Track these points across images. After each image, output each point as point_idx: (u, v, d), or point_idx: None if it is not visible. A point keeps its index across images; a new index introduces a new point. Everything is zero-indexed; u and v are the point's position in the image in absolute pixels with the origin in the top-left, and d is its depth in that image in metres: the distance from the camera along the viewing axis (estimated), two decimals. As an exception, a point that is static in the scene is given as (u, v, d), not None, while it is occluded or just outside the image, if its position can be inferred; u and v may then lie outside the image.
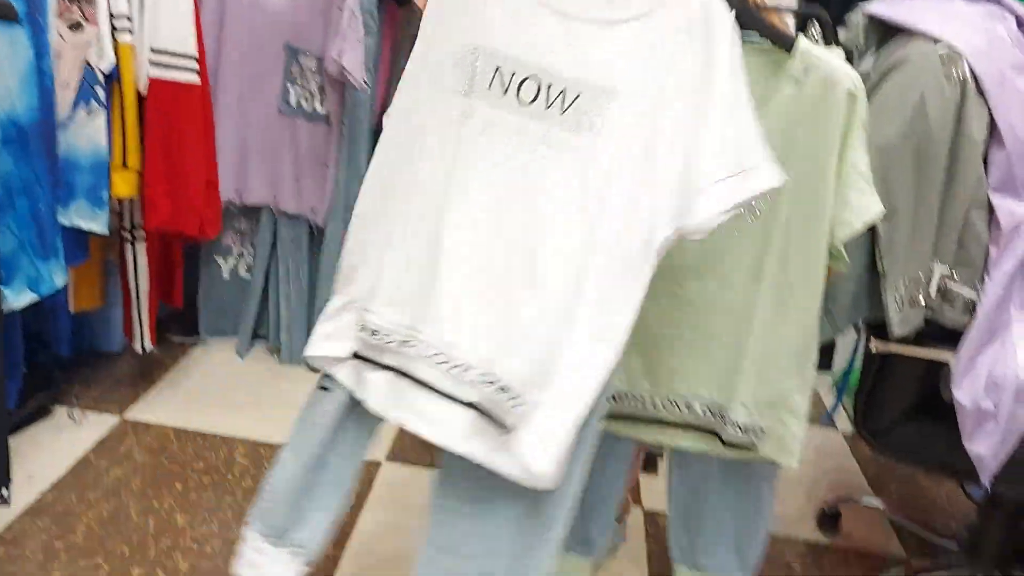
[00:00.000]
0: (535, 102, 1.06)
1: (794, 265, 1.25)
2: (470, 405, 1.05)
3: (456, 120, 1.08)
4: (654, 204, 1.02)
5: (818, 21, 1.32)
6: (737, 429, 1.31)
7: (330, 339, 1.13)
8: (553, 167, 1.05)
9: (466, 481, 1.11)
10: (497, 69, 1.06)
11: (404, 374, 1.09)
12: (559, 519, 1.11)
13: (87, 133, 1.77)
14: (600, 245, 1.03)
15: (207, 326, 2.40)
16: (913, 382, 1.59)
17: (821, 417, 2.49)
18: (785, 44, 1.20)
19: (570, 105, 1.04)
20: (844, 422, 2.48)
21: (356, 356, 1.11)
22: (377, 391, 1.10)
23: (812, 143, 1.21)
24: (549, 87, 1.05)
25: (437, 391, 1.07)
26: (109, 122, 1.81)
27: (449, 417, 1.06)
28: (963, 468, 1.47)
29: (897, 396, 1.61)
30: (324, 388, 1.15)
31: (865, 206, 1.23)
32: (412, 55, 1.13)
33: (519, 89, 1.06)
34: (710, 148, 1.01)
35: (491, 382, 1.04)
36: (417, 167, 1.10)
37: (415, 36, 1.15)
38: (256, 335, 2.42)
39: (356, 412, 1.14)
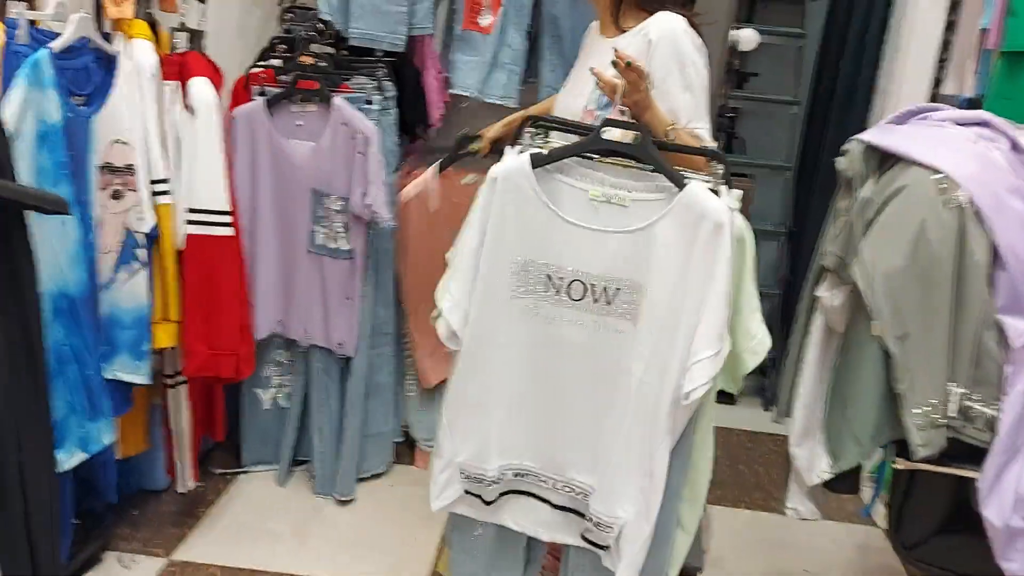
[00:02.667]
0: (584, 299, 1.42)
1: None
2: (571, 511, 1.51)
3: (525, 316, 1.44)
4: (677, 371, 1.38)
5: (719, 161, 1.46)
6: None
7: (445, 490, 1.51)
8: (609, 347, 1.42)
9: None
10: (549, 276, 1.42)
11: (519, 492, 1.52)
12: None
13: (129, 291, 1.88)
14: (648, 394, 1.41)
15: (249, 456, 2.46)
16: (943, 496, 1.61)
17: (860, 512, 2.48)
18: (677, 183, 1.38)
19: (612, 299, 1.41)
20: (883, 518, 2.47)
21: (467, 493, 1.51)
22: (509, 512, 1.53)
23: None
24: (592, 287, 1.41)
25: (552, 504, 1.51)
26: (150, 279, 1.91)
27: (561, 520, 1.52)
28: (999, 581, 1.48)
29: (928, 510, 1.63)
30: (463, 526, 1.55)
31: (764, 339, 1.49)
32: (468, 243, 1.44)
33: (569, 290, 1.42)
34: (703, 331, 1.36)
35: (585, 495, 1.48)
36: (498, 354, 1.45)
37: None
38: (296, 461, 2.48)
39: (501, 535, 1.56)
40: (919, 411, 1.47)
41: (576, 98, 1.74)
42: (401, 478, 2.52)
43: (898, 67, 2.55)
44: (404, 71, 2.37)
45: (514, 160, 1.41)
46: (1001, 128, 1.60)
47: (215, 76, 2.03)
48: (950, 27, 2.42)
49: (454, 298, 1.45)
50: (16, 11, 1.60)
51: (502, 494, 1.52)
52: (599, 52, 1.68)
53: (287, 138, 2.21)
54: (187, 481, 2.14)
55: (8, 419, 1.37)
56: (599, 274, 1.40)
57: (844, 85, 3.11)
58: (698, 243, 1.35)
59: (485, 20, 2.21)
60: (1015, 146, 1.58)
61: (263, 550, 2.12)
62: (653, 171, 1.40)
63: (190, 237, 1.97)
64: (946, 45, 2.44)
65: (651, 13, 1.66)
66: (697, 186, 1.37)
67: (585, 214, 1.40)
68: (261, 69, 2.29)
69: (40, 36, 1.65)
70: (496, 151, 1.72)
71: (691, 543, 1.55)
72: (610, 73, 1.49)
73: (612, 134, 1.41)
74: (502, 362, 1.46)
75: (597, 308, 1.42)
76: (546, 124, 1.51)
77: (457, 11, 2.31)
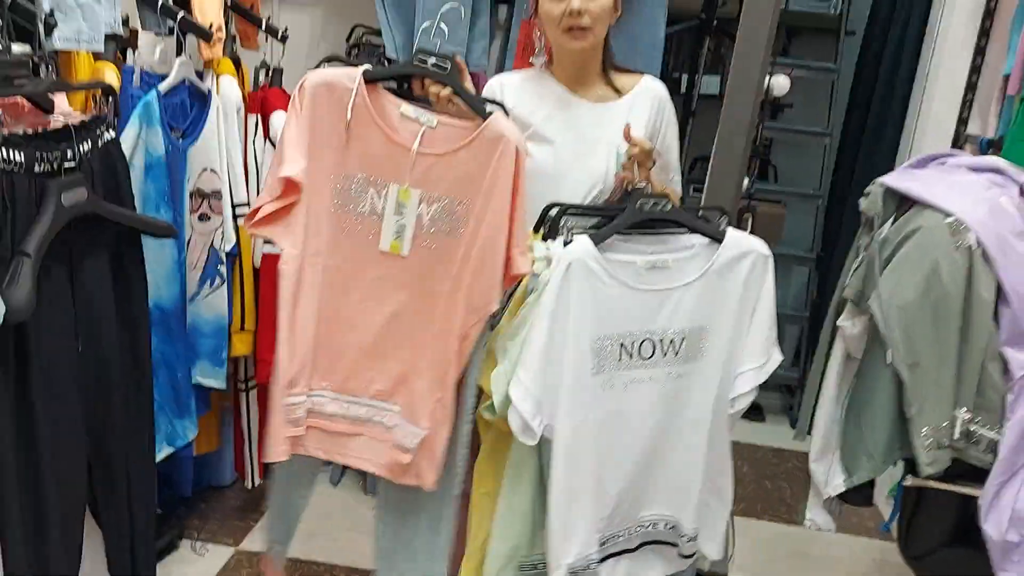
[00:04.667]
0: (654, 355, 1.53)
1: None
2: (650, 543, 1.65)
3: (604, 390, 1.50)
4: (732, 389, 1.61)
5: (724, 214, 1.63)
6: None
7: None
8: (679, 390, 1.56)
9: None
10: (622, 345, 1.51)
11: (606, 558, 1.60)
12: None
13: (210, 304, 2.09)
14: (719, 417, 1.60)
15: (305, 457, 2.66)
16: (950, 512, 1.74)
17: (879, 527, 2.61)
18: (718, 236, 1.56)
19: (680, 347, 1.54)
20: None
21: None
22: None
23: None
24: (660, 342, 1.53)
25: (629, 551, 1.62)
26: (229, 293, 2.12)
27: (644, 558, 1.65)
28: (999, 592, 1.62)
29: (934, 524, 1.76)
30: None
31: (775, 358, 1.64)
32: (539, 332, 1.44)
33: (639, 351, 1.52)
34: (748, 345, 1.57)
35: (674, 527, 1.64)
36: (591, 440, 1.50)
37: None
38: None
39: None
40: (927, 433, 1.61)
41: (593, 161, 1.72)
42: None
43: (925, 106, 2.69)
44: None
45: (576, 245, 1.44)
46: (1012, 175, 1.74)
47: (291, 109, 2.24)
48: (976, 71, 2.57)
49: (525, 386, 1.41)
50: (131, 60, 1.82)
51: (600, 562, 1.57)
52: (574, 111, 1.74)
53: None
54: (255, 478, 2.34)
55: (120, 414, 1.58)
56: (664, 330, 1.52)
57: (875, 120, 3.26)
58: (744, 276, 1.55)
59: (539, 60, 2.38)
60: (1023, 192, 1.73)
61: (319, 543, 2.31)
62: (673, 233, 1.55)
63: (265, 256, 2.17)
64: (972, 88, 2.59)
65: (631, 73, 1.80)
66: (734, 232, 1.55)
67: (644, 280, 1.50)
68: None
69: (148, 78, 1.87)
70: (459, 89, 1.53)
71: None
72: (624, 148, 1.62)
73: (652, 206, 1.53)
74: (593, 444, 1.49)
75: (666, 360, 1.53)
76: (576, 211, 1.57)
77: (510, 50, 2.50)
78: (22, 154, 1.32)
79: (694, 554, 1.68)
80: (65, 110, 1.55)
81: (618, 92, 1.78)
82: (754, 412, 3.47)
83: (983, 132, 2.51)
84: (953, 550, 1.76)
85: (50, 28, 1.54)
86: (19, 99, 1.44)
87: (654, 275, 1.51)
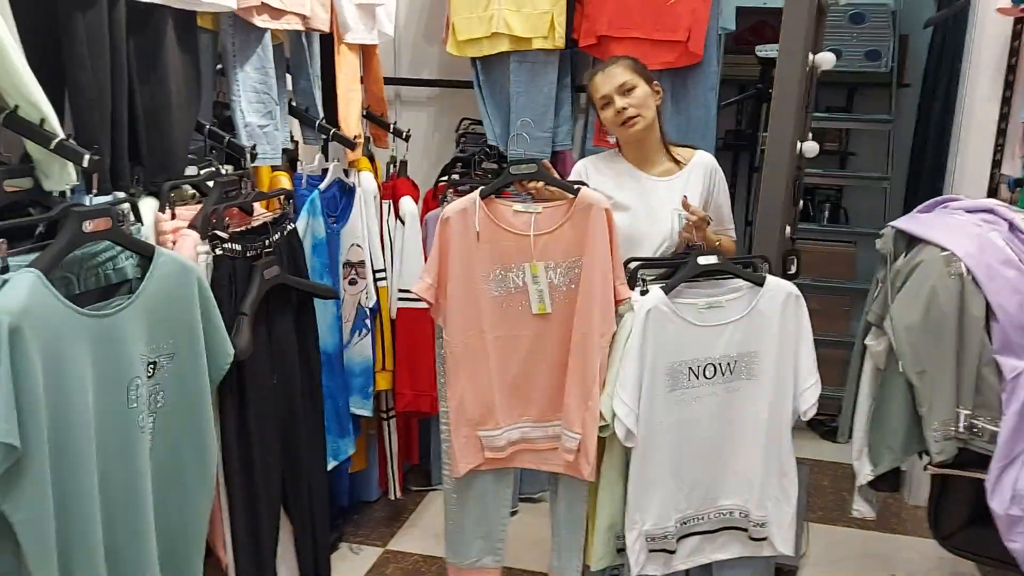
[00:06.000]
0: (714, 376, 1.98)
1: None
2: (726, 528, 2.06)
3: (678, 403, 1.96)
4: (791, 402, 2.03)
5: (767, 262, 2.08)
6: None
7: (639, 556, 1.96)
8: (736, 401, 2.00)
9: None
10: (690, 368, 1.96)
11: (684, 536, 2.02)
12: None
13: (359, 349, 2.64)
14: (774, 424, 2.01)
15: (437, 476, 3.17)
16: (968, 495, 2.06)
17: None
18: (759, 281, 2.00)
19: (734, 368, 1.99)
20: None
21: (652, 551, 1.99)
22: (680, 556, 2.03)
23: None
24: (719, 364, 1.98)
25: (705, 532, 2.04)
26: (373, 340, 2.68)
27: (718, 541, 2.06)
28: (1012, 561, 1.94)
29: (957, 507, 2.09)
30: None
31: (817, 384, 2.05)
32: (631, 361, 1.92)
33: (703, 372, 1.97)
34: (803, 367, 2.02)
35: (746, 515, 2.03)
36: (664, 438, 1.95)
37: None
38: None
39: None
40: (936, 427, 1.96)
41: (661, 225, 2.20)
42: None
43: (961, 150, 3.02)
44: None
45: (652, 295, 1.92)
46: (1001, 213, 2.10)
47: (415, 193, 2.82)
48: (1004, 119, 2.90)
49: (628, 406, 1.89)
50: (299, 168, 2.45)
51: (677, 540, 2.01)
52: (643, 185, 2.23)
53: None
54: (396, 492, 2.87)
55: (303, 437, 2.13)
56: (724, 354, 1.97)
57: (930, 162, 3.59)
58: (787, 310, 2.00)
59: (613, 138, 2.85)
60: (1012, 227, 2.09)
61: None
62: (724, 278, 2.00)
63: (400, 310, 2.73)
64: (1002, 133, 2.91)
65: (686, 147, 2.29)
66: (772, 277, 2.00)
67: (703, 317, 1.96)
68: (443, 182, 3.06)
69: (311, 180, 2.47)
70: (550, 178, 2.07)
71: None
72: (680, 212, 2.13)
73: (706, 260, 1.98)
74: (664, 442, 1.95)
75: (724, 379, 1.99)
76: (650, 265, 2.08)
77: (589, 131, 3.02)
78: (239, 246, 1.91)
79: (764, 538, 2.04)
80: (259, 211, 2.15)
81: (678, 164, 2.26)
82: (831, 432, 3.77)
83: (1013, 172, 2.83)
84: (975, 529, 2.07)
85: (254, 157, 2.15)
86: (232, 206, 2.05)
87: (712, 313, 1.97)
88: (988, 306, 1.95)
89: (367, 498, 3.06)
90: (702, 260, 1.97)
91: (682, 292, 1.97)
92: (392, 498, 2.87)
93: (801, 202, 3.15)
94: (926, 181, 3.62)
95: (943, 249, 1.98)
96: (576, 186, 2.02)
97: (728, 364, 1.99)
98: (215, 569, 2.13)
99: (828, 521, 3.08)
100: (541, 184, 2.04)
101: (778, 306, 2.00)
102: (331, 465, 2.45)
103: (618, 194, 2.21)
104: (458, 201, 2.03)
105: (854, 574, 2.77)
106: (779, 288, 2.01)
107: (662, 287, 1.94)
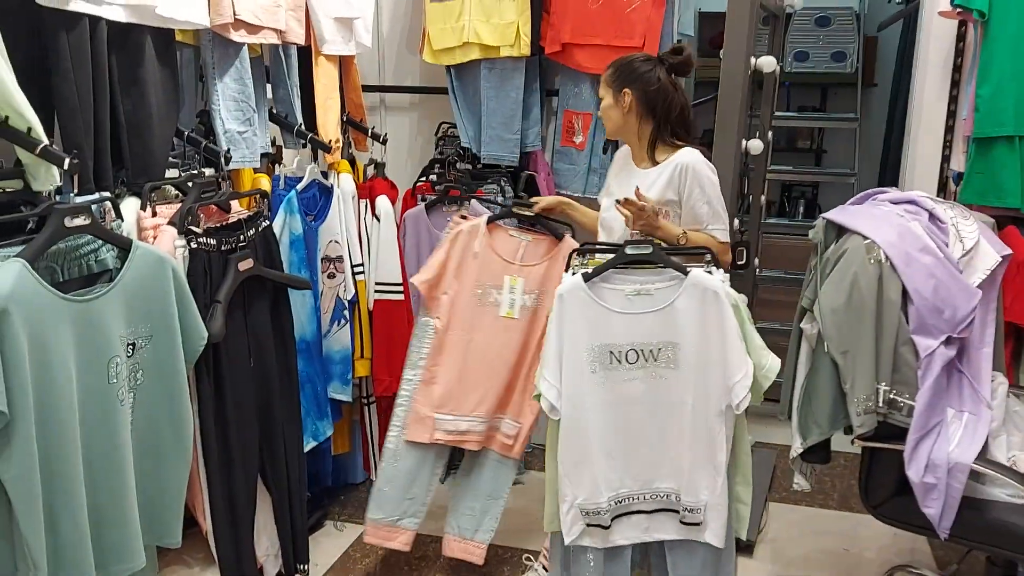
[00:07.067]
0: (637, 361, 2.04)
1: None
2: (662, 510, 2.10)
3: (602, 384, 2.04)
4: (717, 394, 2.03)
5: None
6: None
7: (572, 527, 2.05)
8: (660, 389, 2.05)
9: None
10: (611, 352, 2.03)
11: (622, 515, 2.08)
12: None
13: (338, 338, 2.84)
14: (699, 414, 2.04)
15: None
16: (893, 467, 2.22)
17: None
18: (683, 271, 2.05)
19: (657, 356, 2.03)
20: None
21: (588, 525, 2.07)
22: (618, 532, 2.09)
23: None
24: (641, 351, 2.03)
25: (645, 512, 2.10)
26: (352, 330, 2.87)
27: (657, 521, 2.11)
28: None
29: (884, 478, 2.23)
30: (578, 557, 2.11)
31: (773, 366, 2.07)
32: (552, 342, 2.06)
33: (626, 357, 2.04)
34: (731, 360, 2.00)
35: (668, 496, 2.08)
36: (588, 415, 2.04)
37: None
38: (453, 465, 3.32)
39: (609, 556, 2.10)
40: (858, 402, 2.11)
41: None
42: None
43: (913, 147, 3.17)
44: (523, 177, 3.26)
45: (571, 280, 2.03)
46: (922, 204, 2.26)
47: (392, 192, 3.01)
48: (951, 116, 3.04)
49: (549, 382, 2.01)
50: (278, 170, 2.65)
51: (613, 518, 2.07)
52: (630, 178, 2.35)
53: (440, 231, 3.12)
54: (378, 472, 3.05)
55: (280, 416, 2.32)
56: (644, 342, 2.02)
57: (895, 159, 3.73)
58: (706, 305, 2.00)
59: (578, 138, 3.03)
60: (932, 216, 2.24)
61: (433, 521, 2.98)
62: (663, 267, 2.05)
63: (376, 301, 2.92)
64: (949, 130, 3.06)
65: (676, 148, 2.34)
66: (696, 270, 2.05)
67: (626, 304, 2.02)
68: (423, 182, 3.25)
69: (289, 181, 2.67)
70: (543, 218, 2.53)
71: (749, 514, 2.13)
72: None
73: (634, 250, 2.05)
74: (592, 421, 2.03)
75: (647, 365, 2.03)
76: (588, 248, 2.18)
77: (557, 132, 3.20)
78: (214, 240, 2.11)
79: (698, 523, 2.06)
80: (237, 209, 2.35)
81: (656, 163, 2.36)
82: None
83: (959, 167, 2.98)
84: (901, 498, 2.22)
85: (228, 160, 2.35)
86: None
87: (638, 300, 2.03)
88: (905, 290, 2.12)
89: (353, 480, 3.24)
90: (630, 250, 2.06)
91: (610, 278, 2.05)
92: (375, 479, 3.05)
93: (764, 197, 3.30)
94: (890, 177, 3.76)
95: (865, 238, 2.14)
96: (560, 231, 2.53)
97: (651, 351, 2.03)
98: (198, 537, 2.33)
99: (791, 502, 3.23)
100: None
101: (695, 302, 2.01)
102: (310, 445, 2.64)
103: (613, 182, 2.47)
104: (470, 221, 2.52)
105: (809, 549, 2.92)
106: (699, 283, 2.01)
107: (585, 273, 2.05)
